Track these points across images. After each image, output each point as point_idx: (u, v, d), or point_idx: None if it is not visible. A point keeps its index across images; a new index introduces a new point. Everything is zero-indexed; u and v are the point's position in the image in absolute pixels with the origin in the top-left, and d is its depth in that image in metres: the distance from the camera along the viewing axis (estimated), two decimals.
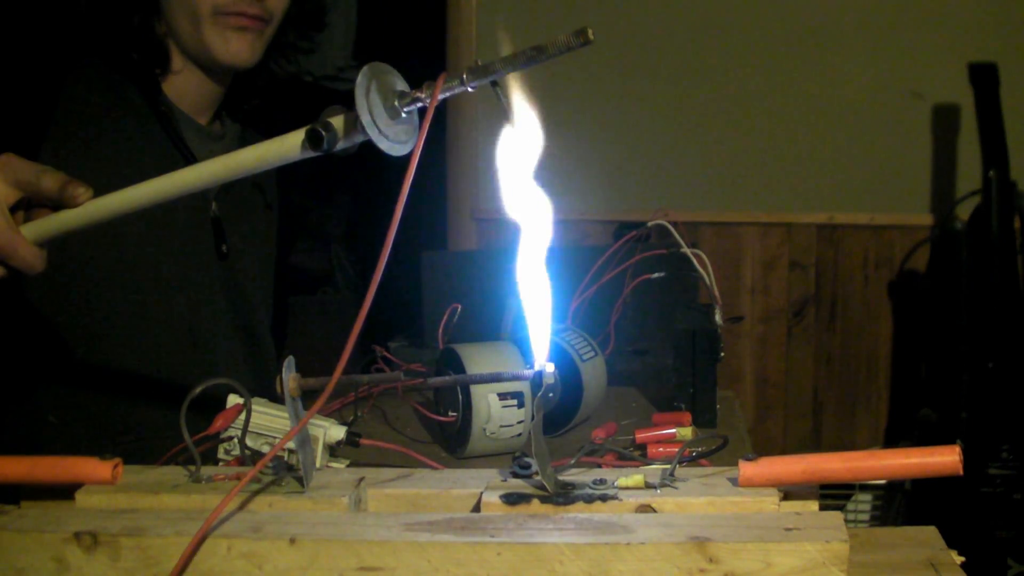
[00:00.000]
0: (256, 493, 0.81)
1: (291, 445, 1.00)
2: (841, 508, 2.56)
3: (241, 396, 0.95)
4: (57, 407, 1.28)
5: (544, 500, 0.79)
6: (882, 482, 2.57)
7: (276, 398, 0.86)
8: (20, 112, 1.25)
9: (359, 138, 0.83)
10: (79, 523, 0.76)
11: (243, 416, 0.93)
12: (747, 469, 0.79)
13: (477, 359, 1.20)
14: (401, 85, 0.83)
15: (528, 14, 2.75)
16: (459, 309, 1.33)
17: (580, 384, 1.28)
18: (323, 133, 0.82)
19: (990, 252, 2.42)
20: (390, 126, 0.82)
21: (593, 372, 1.30)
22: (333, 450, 1.09)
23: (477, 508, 0.82)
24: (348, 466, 1.07)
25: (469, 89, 0.80)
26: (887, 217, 2.78)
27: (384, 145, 0.81)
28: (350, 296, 3.81)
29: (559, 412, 1.28)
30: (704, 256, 1.45)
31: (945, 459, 0.75)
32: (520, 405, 1.18)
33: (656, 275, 1.54)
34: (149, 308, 1.32)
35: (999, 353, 2.40)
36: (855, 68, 2.75)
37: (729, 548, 0.69)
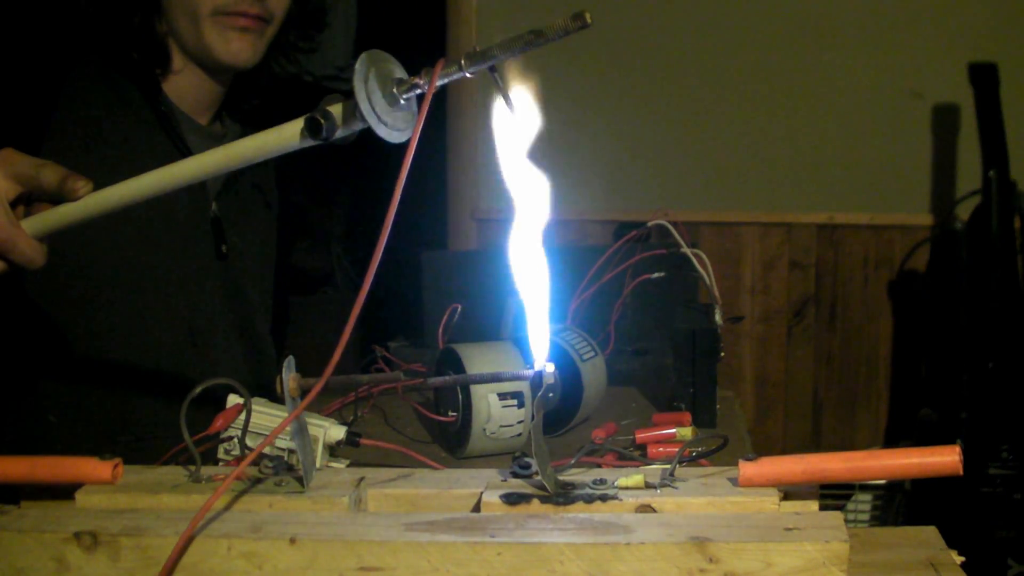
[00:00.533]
0: (256, 493, 0.81)
1: (291, 445, 1.00)
2: (841, 508, 2.55)
3: (241, 396, 0.95)
4: (57, 407, 1.28)
5: (544, 500, 0.79)
6: (882, 482, 2.57)
7: (276, 398, 0.86)
8: (21, 112, 1.25)
9: (358, 126, 0.82)
10: (79, 523, 0.76)
11: (243, 416, 0.93)
12: (747, 469, 0.79)
13: (477, 359, 1.20)
14: (400, 72, 0.82)
15: (528, 16, 2.75)
16: (459, 309, 1.33)
17: (580, 384, 1.28)
18: (322, 121, 0.82)
19: (990, 252, 2.42)
20: (389, 113, 0.81)
21: (593, 372, 1.30)
22: (333, 450, 1.09)
23: (477, 508, 0.82)
24: (348, 466, 1.07)
25: (467, 75, 0.79)
26: (887, 217, 2.78)
27: (383, 132, 0.81)
28: (350, 296, 3.80)
29: (559, 412, 1.27)
30: (704, 256, 1.45)
31: (945, 459, 0.75)
32: (520, 405, 1.18)
33: (656, 275, 1.54)
34: (149, 308, 1.32)
35: (999, 353, 2.39)
36: (855, 68, 2.75)
37: (729, 548, 0.69)
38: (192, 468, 0.86)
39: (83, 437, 1.28)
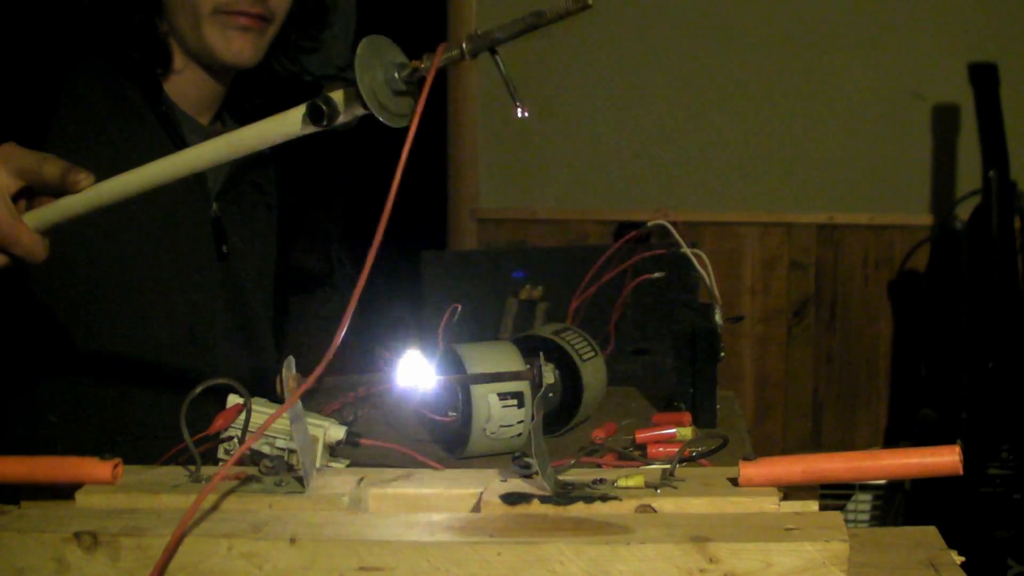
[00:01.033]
0: (256, 493, 0.81)
1: (291, 445, 1.00)
2: (841, 508, 2.56)
3: (241, 396, 0.95)
4: (57, 406, 1.28)
5: (544, 500, 0.79)
6: (882, 482, 2.57)
7: (276, 398, 0.86)
8: (22, 111, 1.25)
9: (359, 112, 0.82)
10: (79, 523, 0.76)
11: (243, 416, 0.93)
12: (747, 469, 0.79)
13: (477, 359, 1.20)
14: (401, 58, 0.82)
15: None
16: (459, 309, 1.33)
17: (580, 384, 1.28)
18: (324, 107, 0.82)
19: (990, 252, 2.42)
20: (390, 99, 0.81)
21: (593, 372, 1.30)
22: (333, 450, 1.09)
23: (477, 508, 0.82)
24: (348, 466, 1.07)
25: (468, 58, 0.79)
26: (887, 217, 2.78)
27: (384, 117, 0.81)
28: (350, 296, 3.80)
29: (559, 412, 1.28)
30: (704, 256, 1.45)
31: (945, 459, 0.75)
32: (520, 405, 1.18)
33: (656, 275, 1.54)
34: (149, 308, 1.32)
35: (999, 353, 2.39)
36: (855, 68, 2.75)
37: (729, 548, 0.69)
38: (192, 468, 0.86)
39: (83, 437, 1.28)
